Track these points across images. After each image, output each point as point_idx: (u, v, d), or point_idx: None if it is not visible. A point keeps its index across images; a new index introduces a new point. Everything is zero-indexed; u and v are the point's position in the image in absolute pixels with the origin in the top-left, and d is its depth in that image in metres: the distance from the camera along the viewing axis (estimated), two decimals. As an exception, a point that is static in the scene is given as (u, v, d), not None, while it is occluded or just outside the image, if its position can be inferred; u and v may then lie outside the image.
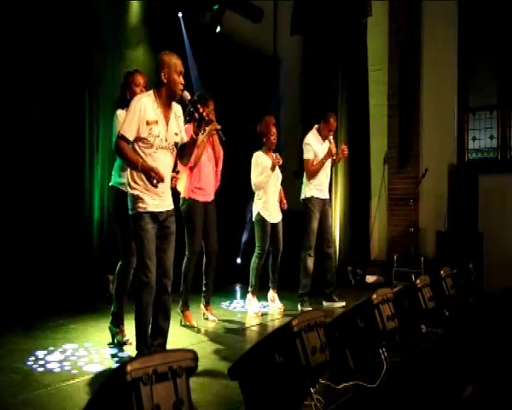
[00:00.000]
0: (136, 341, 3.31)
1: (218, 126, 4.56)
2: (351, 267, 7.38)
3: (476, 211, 6.74)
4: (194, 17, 7.11)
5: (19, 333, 4.15)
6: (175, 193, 4.03)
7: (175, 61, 3.28)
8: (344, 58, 7.73)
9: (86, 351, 3.75)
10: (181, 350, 2.10)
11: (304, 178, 5.60)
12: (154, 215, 3.27)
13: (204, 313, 4.88)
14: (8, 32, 4.83)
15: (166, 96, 3.29)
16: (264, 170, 5.21)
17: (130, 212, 3.29)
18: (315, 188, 5.53)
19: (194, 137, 3.39)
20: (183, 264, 4.60)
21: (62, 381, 3.13)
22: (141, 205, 3.24)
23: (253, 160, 5.29)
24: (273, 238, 5.34)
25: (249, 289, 5.32)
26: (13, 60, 4.86)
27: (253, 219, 5.35)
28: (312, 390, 2.59)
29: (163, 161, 3.27)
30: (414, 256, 7.03)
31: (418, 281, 4.25)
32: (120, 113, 3.84)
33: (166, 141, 3.27)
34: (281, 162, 5.22)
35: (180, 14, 6.71)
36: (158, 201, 3.29)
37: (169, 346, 3.42)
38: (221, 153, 4.76)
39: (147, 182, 3.22)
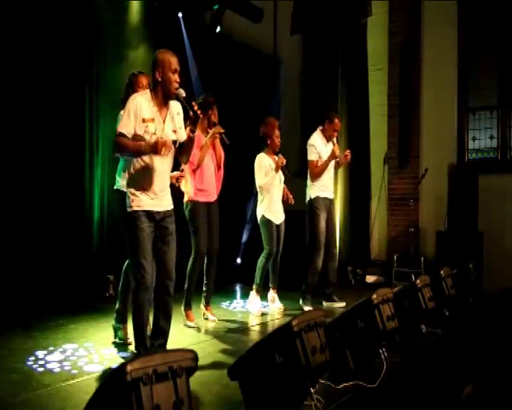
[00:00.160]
0: (135, 341, 3.31)
1: (222, 130, 4.60)
2: (351, 267, 7.38)
3: (476, 211, 6.74)
4: (194, 17, 7.12)
5: (19, 333, 4.15)
6: (178, 194, 4.04)
7: (169, 59, 3.24)
8: (344, 58, 7.73)
9: (86, 351, 3.75)
10: (181, 350, 2.10)
11: (308, 180, 5.61)
12: (150, 214, 3.25)
13: (204, 313, 4.88)
14: (9, 32, 4.83)
15: (162, 95, 3.27)
16: (268, 172, 5.22)
17: (126, 210, 3.28)
18: (319, 189, 5.54)
19: (190, 135, 3.39)
20: (189, 264, 4.62)
21: (62, 381, 3.13)
22: (136, 203, 3.23)
23: (256, 162, 5.29)
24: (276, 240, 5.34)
25: (253, 286, 5.33)
26: (13, 60, 4.86)
27: (259, 222, 5.36)
28: (312, 390, 2.59)
29: (161, 160, 3.26)
30: (414, 256, 7.03)
31: (418, 281, 4.25)
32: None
33: (164, 138, 3.26)
34: (284, 163, 5.23)
35: (180, 14, 6.71)
36: (156, 200, 3.28)
37: (169, 346, 3.42)
38: (222, 155, 4.78)
39: (146, 181, 3.22)
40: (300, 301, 5.46)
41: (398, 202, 7.62)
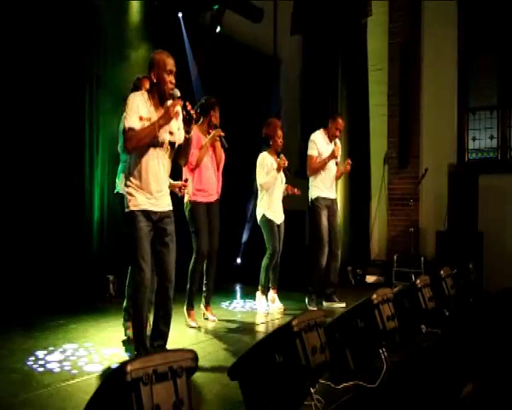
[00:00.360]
0: (134, 341, 3.31)
1: (222, 133, 4.60)
2: (351, 267, 7.38)
3: (476, 211, 6.74)
4: (194, 17, 7.12)
5: (19, 333, 4.15)
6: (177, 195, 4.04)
7: (164, 60, 3.23)
8: (344, 58, 7.73)
9: (86, 351, 3.75)
10: (181, 350, 2.10)
11: (310, 181, 5.61)
12: (147, 214, 3.25)
13: (204, 313, 4.88)
14: (9, 32, 4.83)
15: (158, 96, 3.27)
16: (269, 171, 5.22)
17: (124, 210, 3.28)
18: (320, 189, 5.56)
19: (186, 136, 3.39)
20: (190, 264, 4.63)
21: (62, 381, 3.13)
22: (133, 203, 3.23)
23: (258, 161, 5.31)
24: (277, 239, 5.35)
25: (259, 287, 5.38)
26: (13, 60, 4.86)
27: (259, 222, 5.37)
28: (312, 390, 2.59)
29: (157, 160, 3.26)
30: (414, 256, 7.03)
31: (418, 281, 4.25)
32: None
33: (160, 139, 3.26)
34: (286, 164, 5.24)
35: (180, 14, 6.72)
36: (152, 200, 3.27)
37: (169, 346, 3.42)
38: (222, 157, 4.78)
39: (143, 180, 3.22)
40: (306, 301, 5.46)
41: (398, 202, 7.63)
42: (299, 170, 6.63)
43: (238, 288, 6.94)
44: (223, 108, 4.84)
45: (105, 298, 5.57)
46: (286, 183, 5.46)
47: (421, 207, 7.54)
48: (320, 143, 5.56)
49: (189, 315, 4.63)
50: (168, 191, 3.42)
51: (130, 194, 3.24)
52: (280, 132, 5.31)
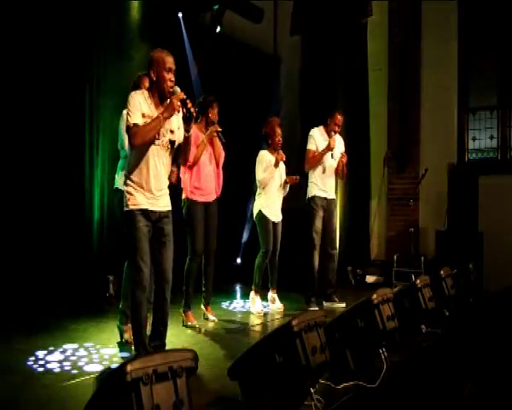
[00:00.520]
0: (133, 340, 3.31)
1: (219, 129, 4.60)
2: (351, 267, 7.38)
3: (476, 211, 6.74)
4: (194, 17, 7.11)
5: (19, 333, 4.15)
6: (177, 195, 4.03)
7: (164, 58, 3.24)
8: (344, 58, 7.73)
9: (86, 351, 3.75)
10: (181, 350, 2.10)
11: (308, 179, 5.60)
12: (146, 213, 3.24)
13: (204, 314, 4.88)
14: (9, 32, 4.83)
15: (158, 94, 3.27)
16: (267, 166, 5.23)
17: (123, 209, 3.28)
18: (318, 188, 5.54)
19: (186, 135, 3.39)
20: (186, 264, 4.61)
21: (62, 381, 3.13)
22: (132, 202, 3.22)
23: (257, 158, 5.33)
24: (272, 238, 5.33)
25: (252, 287, 5.34)
26: (13, 61, 4.85)
27: (254, 218, 5.36)
28: (312, 390, 2.58)
29: (158, 159, 3.25)
30: (414, 256, 7.03)
31: (418, 281, 4.25)
32: (126, 112, 3.88)
33: (160, 138, 3.25)
34: (284, 158, 5.25)
35: (180, 14, 6.71)
36: (152, 200, 3.26)
37: (169, 346, 3.42)
38: (222, 155, 4.77)
39: (143, 179, 3.21)
40: (306, 306, 5.42)
41: (398, 201, 7.64)
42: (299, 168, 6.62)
43: (238, 288, 6.94)
44: (223, 108, 4.84)
45: (105, 298, 5.57)
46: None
47: (421, 207, 7.54)
48: (318, 138, 5.55)
49: (186, 316, 4.62)
50: (168, 191, 3.42)
51: (130, 193, 3.24)
52: (279, 130, 5.31)
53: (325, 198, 5.58)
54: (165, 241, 3.31)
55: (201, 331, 4.49)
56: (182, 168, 4.55)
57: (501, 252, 6.73)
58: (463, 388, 3.09)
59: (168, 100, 3.24)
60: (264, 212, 5.27)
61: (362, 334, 3.30)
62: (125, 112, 3.92)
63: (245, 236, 7.72)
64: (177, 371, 1.92)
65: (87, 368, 3.38)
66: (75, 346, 3.85)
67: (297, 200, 5.75)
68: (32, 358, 3.53)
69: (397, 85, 7.70)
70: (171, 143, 3.33)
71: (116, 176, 4.11)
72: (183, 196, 4.62)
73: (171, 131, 3.31)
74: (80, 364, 3.46)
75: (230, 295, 6.28)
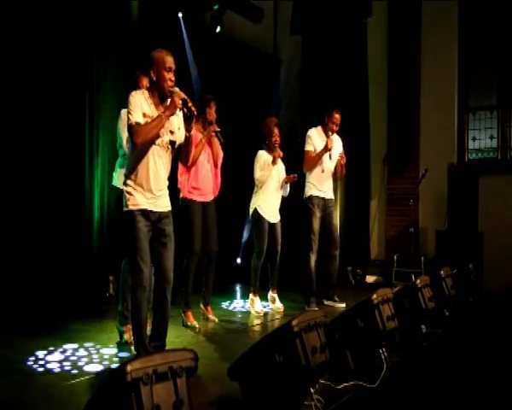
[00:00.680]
0: (134, 340, 3.31)
1: (217, 129, 4.58)
2: (351, 267, 7.38)
3: (476, 211, 6.74)
4: (194, 17, 7.11)
5: (19, 333, 4.15)
6: (176, 195, 4.03)
7: (164, 58, 3.23)
8: (344, 58, 7.73)
9: (86, 351, 3.75)
10: (181, 350, 2.10)
11: (306, 178, 5.59)
12: (146, 214, 3.24)
13: (204, 314, 4.88)
14: (9, 32, 4.83)
15: (158, 94, 3.27)
16: (264, 165, 5.24)
17: (123, 209, 3.27)
18: (315, 188, 5.52)
19: (187, 135, 3.39)
20: (184, 264, 4.60)
21: (62, 381, 3.13)
22: (132, 203, 3.21)
23: (255, 158, 5.33)
24: (271, 240, 5.31)
25: (251, 289, 5.33)
26: (14, 61, 4.85)
27: (250, 216, 5.35)
28: (312, 390, 2.59)
29: (158, 159, 3.25)
30: (414, 256, 7.03)
31: (418, 281, 4.25)
32: (125, 111, 3.88)
33: (160, 138, 3.25)
34: (281, 155, 5.26)
35: (180, 14, 6.71)
36: (152, 200, 3.26)
37: (169, 346, 3.42)
38: (220, 155, 4.76)
39: (143, 179, 3.21)
40: (306, 307, 5.39)
41: (398, 202, 7.63)
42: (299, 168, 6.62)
43: (238, 288, 6.94)
44: (223, 108, 4.83)
45: (105, 298, 5.57)
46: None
47: (421, 207, 7.54)
48: (315, 139, 5.53)
49: (185, 316, 4.62)
50: (167, 191, 3.41)
51: (130, 193, 3.23)
52: (276, 130, 5.30)
53: (322, 198, 5.55)
54: (165, 241, 3.30)
55: (201, 331, 4.49)
56: (180, 168, 4.54)
57: (501, 252, 6.73)
58: (463, 388, 3.09)
59: (169, 99, 3.24)
60: (260, 211, 5.25)
61: (362, 334, 3.30)
62: (123, 111, 3.93)
63: (245, 236, 7.72)
64: (177, 371, 1.92)
65: (87, 368, 3.38)
66: (75, 346, 3.85)
67: (299, 200, 5.74)
68: (32, 358, 3.53)
69: (397, 85, 7.70)
70: (172, 143, 3.33)
71: (114, 174, 4.11)
72: (181, 195, 4.62)
73: (172, 132, 3.31)
74: (80, 364, 3.45)
75: (230, 295, 6.28)
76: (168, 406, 1.85)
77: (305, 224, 5.51)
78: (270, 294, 5.46)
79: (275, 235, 5.34)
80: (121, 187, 3.75)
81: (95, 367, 3.41)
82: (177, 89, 3.25)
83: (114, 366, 3.45)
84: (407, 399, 3.02)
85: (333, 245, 5.58)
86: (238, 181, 6.34)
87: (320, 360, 2.63)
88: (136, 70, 4.13)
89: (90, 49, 5.58)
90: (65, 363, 3.46)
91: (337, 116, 5.52)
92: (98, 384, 1.90)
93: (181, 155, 3.49)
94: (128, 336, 3.90)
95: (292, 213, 6.19)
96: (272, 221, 5.32)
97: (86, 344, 3.90)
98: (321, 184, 5.53)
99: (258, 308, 5.25)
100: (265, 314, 5.25)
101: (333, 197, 5.73)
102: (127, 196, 3.24)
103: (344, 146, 5.76)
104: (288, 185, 5.44)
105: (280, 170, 5.39)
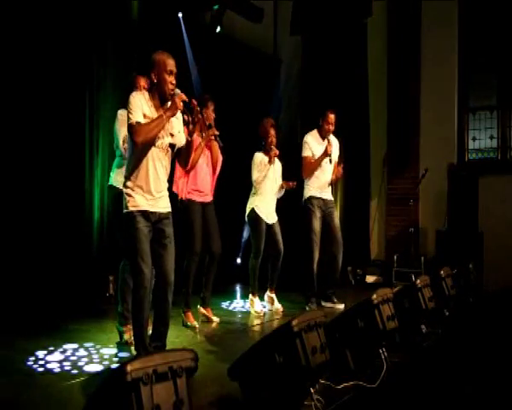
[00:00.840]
0: (134, 341, 3.31)
1: (216, 132, 4.56)
2: (351, 267, 7.38)
3: (476, 211, 6.74)
4: (194, 17, 7.11)
5: (19, 333, 4.15)
6: (175, 196, 4.04)
7: (165, 61, 3.23)
8: (344, 58, 7.73)
9: (86, 351, 3.75)
10: (181, 350, 2.10)
11: (304, 182, 5.58)
12: (146, 215, 3.23)
13: (204, 314, 4.87)
14: (9, 33, 4.83)
15: (159, 97, 3.26)
16: (261, 165, 5.24)
17: (123, 210, 3.27)
18: (314, 189, 5.50)
19: (188, 139, 3.39)
20: (184, 265, 4.60)
21: (62, 381, 3.13)
22: (132, 204, 3.21)
23: (252, 160, 5.32)
24: (272, 241, 5.31)
25: (250, 289, 5.33)
26: (14, 61, 4.85)
27: (246, 216, 5.34)
28: (312, 390, 2.59)
29: (157, 161, 3.25)
30: (414, 256, 7.03)
31: (418, 281, 4.25)
32: (122, 112, 3.88)
33: (160, 140, 3.25)
34: (277, 153, 5.26)
35: (180, 14, 6.71)
36: (151, 201, 3.25)
37: (169, 346, 3.42)
38: (219, 160, 4.74)
39: (143, 181, 3.21)
40: (307, 309, 5.37)
41: (398, 202, 7.63)
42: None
43: (238, 288, 6.94)
44: (223, 109, 4.83)
45: (105, 298, 5.57)
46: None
47: (421, 207, 7.55)
48: (312, 144, 5.50)
49: (186, 316, 4.62)
50: (167, 193, 3.41)
51: (129, 194, 3.23)
52: (272, 131, 5.29)
53: (322, 198, 5.54)
54: (166, 243, 3.30)
55: (201, 331, 4.49)
56: (178, 172, 4.53)
57: (501, 252, 6.74)
58: (463, 388, 3.09)
59: (170, 101, 3.24)
60: (257, 211, 5.24)
61: (362, 334, 3.30)
62: (120, 111, 3.93)
63: (245, 236, 7.71)
64: (177, 371, 1.92)
65: (87, 368, 3.38)
66: (75, 346, 3.85)
67: (295, 201, 5.74)
68: (32, 358, 3.53)
69: (397, 85, 7.70)
70: (171, 146, 3.34)
71: (111, 173, 4.12)
72: (179, 197, 4.60)
73: (172, 135, 3.31)
74: (80, 364, 3.45)
75: (230, 295, 6.28)
76: (168, 406, 1.85)
77: (306, 225, 5.50)
78: (268, 294, 5.44)
79: (275, 235, 5.33)
80: (119, 187, 3.76)
81: (95, 367, 3.41)
82: (178, 91, 3.25)
83: (114, 366, 3.45)
84: (407, 399, 3.02)
85: (337, 246, 5.53)
86: (238, 181, 6.34)
87: (320, 360, 2.63)
88: (133, 71, 4.13)
89: (90, 49, 5.58)
90: (65, 363, 3.46)
91: (332, 116, 5.49)
92: (98, 384, 1.89)
93: (180, 158, 3.49)
94: (128, 337, 3.90)
95: (291, 214, 6.20)
96: (270, 222, 5.31)
97: (86, 344, 3.90)
98: (320, 187, 5.52)
99: (257, 308, 5.25)
100: (265, 314, 5.25)
101: (332, 198, 5.72)
102: (127, 197, 3.24)
103: (343, 147, 5.75)
104: (284, 189, 5.43)
105: (276, 170, 5.38)
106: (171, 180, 4.04)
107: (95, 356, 3.65)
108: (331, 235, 5.55)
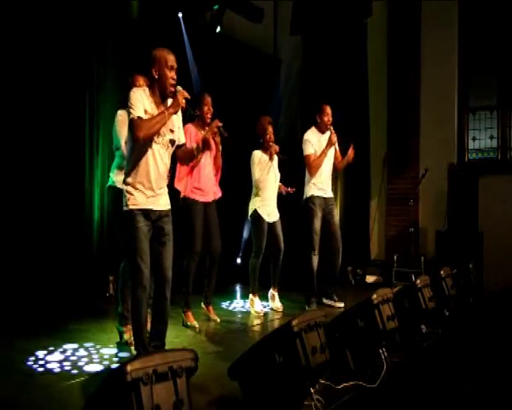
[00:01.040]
0: (134, 340, 3.31)
1: (220, 123, 4.55)
2: (351, 267, 7.38)
3: (476, 211, 6.74)
4: (194, 17, 7.11)
5: (19, 333, 4.15)
6: (175, 194, 4.04)
7: (166, 56, 3.24)
8: (344, 58, 7.73)
9: (86, 351, 3.75)
10: (181, 350, 2.10)
11: (306, 178, 5.59)
12: (146, 213, 3.23)
13: (205, 314, 4.88)
14: (9, 35, 4.83)
15: (159, 93, 3.26)
16: (260, 162, 5.25)
17: (123, 208, 3.27)
18: (316, 187, 5.51)
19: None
20: (184, 264, 4.60)
21: (62, 381, 3.13)
22: (132, 202, 3.21)
23: (251, 159, 5.32)
24: (273, 239, 5.32)
25: (250, 289, 5.34)
26: (14, 61, 4.85)
27: (249, 217, 5.35)
28: (312, 390, 2.59)
29: (158, 157, 3.25)
30: (414, 256, 7.03)
31: (418, 281, 4.25)
32: (121, 113, 3.88)
33: (161, 136, 3.25)
34: (277, 149, 5.27)
35: (180, 14, 6.71)
36: (152, 199, 3.26)
37: (169, 346, 3.42)
38: (219, 160, 4.74)
39: (144, 177, 3.21)
40: (306, 307, 5.39)
41: (398, 202, 7.63)
42: (298, 170, 6.62)
43: (238, 288, 6.94)
44: (223, 108, 4.83)
45: (105, 298, 5.57)
46: (280, 163, 5.44)
47: (421, 207, 7.54)
48: (314, 141, 5.51)
49: (186, 316, 4.62)
50: (167, 190, 3.42)
51: (130, 193, 3.23)
52: (270, 129, 5.30)
53: (323, 197, 5.55)
54: (165, 241, 3.30)
55: (201, 331, 4.49)
56: (181, 171, 4.53)
57: (501, 252, 6.73)
58: (463, 388, 3.09)
59: (169, 98, 3.25)
60: (259, 211, 5.25)
61: (362, 334, 3.30)
62: (119, 112, 3.93)
63: (245, 236, 7.71)
64: (177, 371, 1.92)
65: (87, 368, 3.38)
66: (75, 346, 3.85)
67: (296, 199, 5.73)
68: (32, 358, 3.53)
69: (397, 85, 7.70)
70: (172, 142, 3.34)
71: (111, 174, 4.10)
72: (182, 195, 4.61)
73: (172, 131, 3.32)
74: (80, 364, 3.46)
75: (230, 295, 6.28)
76: (168, 406, 1.85)
77: (307, 224, 5.51)
78: (271, 292, 5.46)
79: (276, 233, 5.34)
80: (119, 187, 3.75)
81: (95, 367, 3.41)
82: (179, 88, 3.25)
83: (114, 366, 3.45)
84: (407, 399, 3.02)
85: (336, 243, 5.57)
86: (238, 181, 6.34)
87: (320, 360, 2.63)
88: (133, 70, 4.13)
89: (90, 49, 5.58)
90: (65, 363, 3.47)
91: (328, 109, 5.54)
92: (98, 384, 1.89)
93: (183, 157, 3.53)
94: (128, 337, 3.91)
95: (292, 212, 6.20)
96: (271, 220, 5.32)
97: (86, 344, 3.91)
98: (322, 183, 5.53)
99: (258, 308, 5.25)
100: (265, 314, 5.25)
101: (332, 196, 5.74)
102: (127, 195, 3.23)
103: (342, 146, 5.75)
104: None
105: (274, 166, 5.39)
106: (170, 179, 4.04)
107: (95, 356, 3.65)
108: (331, 232, 5.57)
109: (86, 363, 3.48)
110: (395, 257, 7.06)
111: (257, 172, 5.26)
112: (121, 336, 3.99)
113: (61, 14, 5.23)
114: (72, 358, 3.58)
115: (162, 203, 3.33)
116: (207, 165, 4.66)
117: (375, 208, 7.91)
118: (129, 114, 3.16)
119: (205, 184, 4.64)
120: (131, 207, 3.21)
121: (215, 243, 4.73)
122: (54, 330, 4.29)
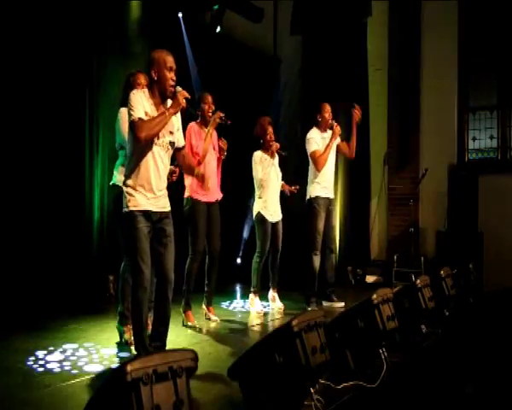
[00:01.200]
0: (134, 341, 3.31)
1: (222, 114, 4.54)
2: (351, 267, 7.38)
3: (476, 211, 6.74)
4: (194, 17, 7.11)
5: (19, 333, 4.15)
6: (176, 195, 4.03)
7: (165, 57, 3.24)
8: (344, 58, 7.72)
9: (86, 351, 3.75)
10: (181, 350, 2.10)
11: (309, 177, 5.59)
12: (147, 214, 3.24)
13: (206, 314, 4.88)
14: (9, 34, 4.83)
15: (159, 94, 3.27)
16: (261, 161, 5.25)
17: (123, 210, 3.27)
18: (320, 187, 5.51)
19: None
20: (186, 264, 4.61)
21: (62, 381, 3.13)
22: (133, 203, 3.21)
23: (252, 159, 5.32)
24: (272, 238, 5.34)
25: (251, 289, 5.34)
26: (14, 61, 4.86)
27: (254, 218, 5.38)
28: (312, 390, 2.59)
29: (158, 159, 3.25)
30: (414, 256, 7.03)
31: (418, 281, 4.24)
32: (123, 110, 3.88)
33: (161, 138, 3.25)
34: (278, 146, 5.28)
35: (180, 14, 6.71)
36: (152, 200, 3.26)
37: (169, 346, 3.42)
38: (220, 162, 4.76)
39: (144, 179, 3.21)
40: (306, 307, 5.38)
41: (398, 201, 7.63)
42: (298, 169, 6.62)
43: (238, 288, 6.94)
44: (223, 108, 4.82)
45: (105, 298, 5.57)
46: (282, 164, 5.44)
47: (421, 207, 7.54)
48: (318, 138, 5.53)
49: (186, 316, 4.62)
50: (167, 192, 3.42)
51: (130, 194, 3.23)
52: (270, 129, 5.31)
53: (328, 198, 5.56)
54: (166, 242, 3.30)
55: (201, 331, 4.49)
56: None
57: (501, 252, 6.74)
58: (463, 388, 3.09)
59: (169, 99, 3.25)
60: (263, 213, 5.27)
61: (362, 334, 3.30)
62: (121, 110, 3.92)
63: (245, 235, 7.72)
64: (177, 371, 1.92)
65: (87, 368, 3.38)
66: (75, 346, 3.85)
67: (299, 201, 5.73)
68: (32, 358, 3.53)
69: (397, 85, 7.70)
70: (171, 144, 3.34)
71: (115, 171, 4.07)
72: (186, 194, 4.62)
73: (171, 133, 3.32)
74: (80, 364, 3.46)
75: (230, 295, 6.28)
76: (168, 406, 1.85)
77: (310, 224, 5.51)
78: (271, 293, 5.47)
79: (276, 233, 5.37)
80: (121, 184, 3.74)
81: (95, 367, 3.41)
82: (179, 88, 3.26)
83: (114, 366, 3.45)
84: (407, 399, 3.02)
85: (329, 243, 5.63)
86: (238, 181, 6.34)
87: (320, 360, 2.63)
88: (133, 69, 4.12)
89: (91, 48, 5.58)
90: (65, 363, 3.47)
91: (328, 107, 5.59)
92: (98, 384, 1.89)
93: (183, 161, 3.54)
94: (128, 337, 3.90)
95: (293, 212, 6.19)
96: (274, 220, 5.35)
97: (86, 344, 3.91)
98: (326, 181, 5.53)
99: (258, 308, 5.26)
100: (265, 314, 5.25)
101: (333, 198, 5.75)
102: (128, 196, 3.23)
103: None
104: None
105: (276, 165, 5.39)
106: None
107: (95, 356, 3.65)
108: (328, 234, 5.59)
109: (86, 363, 3.48)
110: (395, 257, 7.06)
111: (260, 172, 5.26)
112: (121, 336, 3.99)
113: (62, 14, 5.24)
114: (72, 358, 3.58)
115: (162, 205, 3.33)
116: (212, 163, 4.67)
117: (375, 208, 7.91)
118: (129, 116, 3.17)
119: (208, 179, 4.59)
120: (132, 208, 3.21)
121: (215, 242, 4.73)
122: (54, 330, 4.29)
